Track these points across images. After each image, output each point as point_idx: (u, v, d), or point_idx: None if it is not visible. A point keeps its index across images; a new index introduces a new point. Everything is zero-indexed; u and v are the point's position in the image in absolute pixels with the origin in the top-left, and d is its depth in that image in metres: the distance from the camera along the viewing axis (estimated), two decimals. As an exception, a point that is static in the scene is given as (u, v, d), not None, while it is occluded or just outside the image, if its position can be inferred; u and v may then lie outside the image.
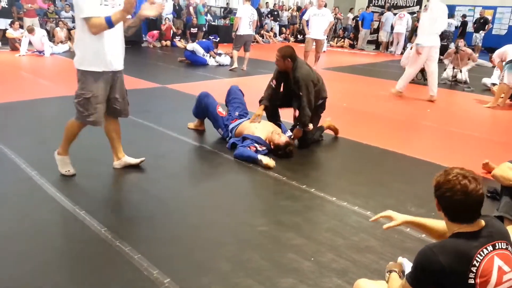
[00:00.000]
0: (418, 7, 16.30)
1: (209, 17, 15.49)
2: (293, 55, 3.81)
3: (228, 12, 17.62)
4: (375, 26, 15.45)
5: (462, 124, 5.29)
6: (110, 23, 2.67)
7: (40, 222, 2.47)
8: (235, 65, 8.46)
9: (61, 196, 2.76)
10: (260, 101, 4.09)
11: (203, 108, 4.10)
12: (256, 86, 7.11)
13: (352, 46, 15.23)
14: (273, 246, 2.30)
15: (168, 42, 12.54)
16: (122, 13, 2.66)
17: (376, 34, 15.15)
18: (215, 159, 3.64)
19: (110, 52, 2.87)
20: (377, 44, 15.17)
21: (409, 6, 16.54)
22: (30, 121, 4.56)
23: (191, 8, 13.91)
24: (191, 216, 2.62)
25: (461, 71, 7.97)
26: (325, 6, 9.13)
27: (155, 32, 12.33)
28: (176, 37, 12.84)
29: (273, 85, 4.03)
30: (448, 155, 3.94)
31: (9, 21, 10.07)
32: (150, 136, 4.15)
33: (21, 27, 9.84)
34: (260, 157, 3.44)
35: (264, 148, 3.65)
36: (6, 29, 9.94)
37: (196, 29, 13.54)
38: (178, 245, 2.27)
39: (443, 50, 11.07)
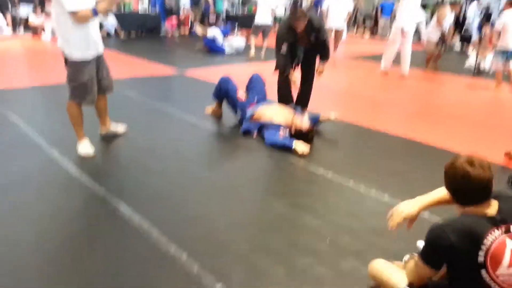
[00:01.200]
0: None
1: (227, 5, 15.42)
2: (305, 12, 4.02)
3: (247, 1, 17.51)
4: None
5: (485, 113, 5.18)
6: (95, 14, 2.91)
7: (59, 200, 2.55)
8: (252, 53, 8.43)
9: (82, 174, 2.83)
10: (283, 70, 4.20)
11: (223, 92, 4.13)
12: (271, 71, 7.09)
13: (373, 33, 15.05)
14: (291, 228, 2.32)
15: (187, 30, 12.57)
16: (109, 2, 2.93)
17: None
18: (233, 144, 3.67)
19: (94, 38, 3.11)
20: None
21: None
22: (55, 105, 4.66)
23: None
24: (210, 198, 2.66)
25: (485, 59, 7.86)
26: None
27: (174, 21, 12.38)
28: (195, 23, 12.86)
29: (284, 53, 4.11)
30: (470, 144, 3.88)
31: (31, 7, 10.21)
32: (167, 121, 4.20)
33: (44, 12, 9.97)
34: (294, 145, 3.44)
35: (287, 134, 3.66)
36: (28, 17, 10.10)
37: (215, 17, 13.51)
38: (197, 225, 2.32)
39: (466, 40, 10.83)
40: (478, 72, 7.89)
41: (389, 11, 14.58)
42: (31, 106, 4.63)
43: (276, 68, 4.26)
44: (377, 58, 9.10)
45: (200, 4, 14.07)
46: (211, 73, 6.54)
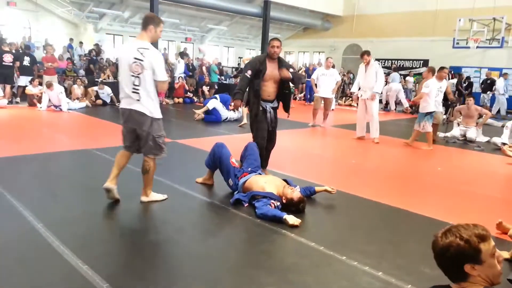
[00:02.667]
0: (424, 68, 16.78)
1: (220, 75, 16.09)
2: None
3: (239, 71, 18.30)
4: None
5: (474, 183, 5.21)
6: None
7: (44, 276, 2.42)
8: (245, 121, 8.62)
9: (64, 249, 2.72)
10: (235, 94, 4.47)
11: (216, 158, 4.13)
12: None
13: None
14: (280, 307, 2.20)
15: (181, 99, 12.92)
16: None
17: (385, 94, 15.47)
18: (223, 214, 3.60)
19: None
20: (385, 103, 15.43)
21: (415, 68, 17.05)
22: (44, 174, 4.62)
23: (204, 68, 14.50)
24: (198, 272, 2.54)
25: (476, 129, 8.15)
26: (333, 67, 9.46)
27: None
28: (189, 93, 13.28)
29: (249, 76, 4.44)
30: (461, 214, 3.85)
31: (29, 78, 10.54)
32: (157, 189, 4.14)
33: (40, 84, 10.28)
34: (285, 216, 3.35)
35: (278, 203, 3.60)
36: (26, 86, 10.39)
37: (208, 87, 14.01)
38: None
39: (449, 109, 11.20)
40: (464, 141, 8.11)
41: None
42: (18, 175, 4.57)
43: (235, 92, 4.51)
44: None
45: (195, 74, 14.66)
46: (204, 142, 6.61)
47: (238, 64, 21.88)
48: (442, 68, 7.31)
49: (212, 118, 9.05)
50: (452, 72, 15.81)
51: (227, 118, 9.21)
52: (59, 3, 16.52)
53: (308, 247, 2.97)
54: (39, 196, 3.85)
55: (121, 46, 3.59)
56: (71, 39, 16.27)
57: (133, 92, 3.45)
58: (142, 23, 3.57)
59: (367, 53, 7.56)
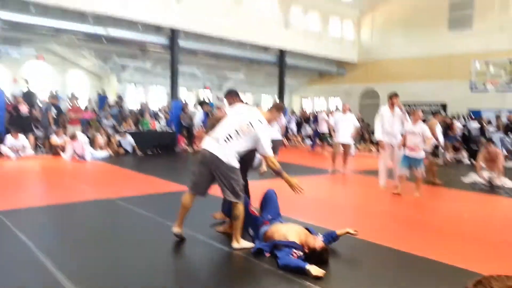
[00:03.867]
0: (443, 112, 16.78)
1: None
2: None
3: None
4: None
5: (503, 231, 5.01)
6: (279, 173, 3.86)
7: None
8: (264, 168, 8.60)
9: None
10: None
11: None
12: (282, 188, 7.15)
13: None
14: None
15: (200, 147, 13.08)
16: (292, 182, 3.92)
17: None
18: (244, 264, 3.53)
19: None
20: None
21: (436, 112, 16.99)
22: (66, 224, 4.67)
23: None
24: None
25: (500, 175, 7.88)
26: (350, 110, 9.51)
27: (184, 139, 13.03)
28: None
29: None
30: (491, 263, 3.67)
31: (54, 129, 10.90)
32: (175, 237, 4.11)
33: (65, 134, 10.60)
34: (308, 267, 3.26)
35: (301, 253, 3.51)
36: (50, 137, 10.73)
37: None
38: None
39: (474, 154, 11.04)
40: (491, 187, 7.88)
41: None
42: (41, 226, 4.63)
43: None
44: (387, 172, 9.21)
45: (213, 122, 14.91)
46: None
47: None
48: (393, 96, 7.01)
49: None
50: (471, 115, 15.73)
51: (253, 166, 9.24)
52: (85, 57, 17.41)
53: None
54: (62, 247, 3.86)
55: (240, 106, 3.97)
56: (103, 91, 16.98)
57: (225, 139, 3.76)
58: (276, 106, 4.09)
59: (396, 95, 7.09)
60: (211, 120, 4.23)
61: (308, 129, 17.28)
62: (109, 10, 12.83)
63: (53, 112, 11.09)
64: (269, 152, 3.79)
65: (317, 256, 3.48)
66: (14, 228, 4.20)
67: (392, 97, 7.04)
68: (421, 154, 6.55)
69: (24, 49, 14.98)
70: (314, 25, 19.39)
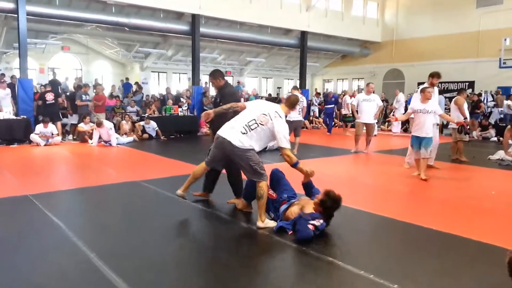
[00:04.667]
0: (470, 90, 16.26)
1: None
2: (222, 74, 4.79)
3: (278, 101, 18.51)
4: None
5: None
6: (296, 164, 3.94)
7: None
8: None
9: (116, 278, 2.80)
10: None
11: (253, 192, 4.14)
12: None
13: (405, 130, 15.13)
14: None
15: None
16: (305, 172, 4.05)
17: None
18: (265, 242, 3.58)
19: None
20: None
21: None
22: (95, 206, 4.83)
23: (242, 100, 14.83)
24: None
25: None
26: (373, 92, 9.38)
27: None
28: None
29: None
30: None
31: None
32: (200, 217, 4.21)
33: (92, 121, 10.90)
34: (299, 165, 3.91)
35: (321, 221, 3.55)
36: (78, 124, 11.05)
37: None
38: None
39: (501, 131, 10.71)
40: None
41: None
42: (72, 207, 4.82)
43: None
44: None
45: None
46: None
47: (277, 94, 22.16)
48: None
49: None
50: (501, 93, 15.20)
51: (267, 147, 9.27)
52: (108, 45, 17.68)
53: (356, 276, 2.87)
54: (92, 227, 4.02)
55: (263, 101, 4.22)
56: (126, 79, 17.28)
57: (243, 128, 3.90)
58: (291, 103, 4.19)
59: (438, 75, 6.90)
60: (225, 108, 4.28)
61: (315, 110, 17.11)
62: (131, -1, 12.95)
63: (84, 99, 11.34)
64: (285, 145, 3.86)
65: (329, 202, 3.63)
66: (46, 210, 4.39)
67: (434, 76, 6.88)
68: (431, 133, 6.27)
69: (50, 40, 15.34)
70: (336, 6, 18.98)
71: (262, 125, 3.87)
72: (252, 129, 3.87)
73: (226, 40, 17.03)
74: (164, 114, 12.77)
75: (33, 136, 9.87)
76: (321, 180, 6.39)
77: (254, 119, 3.90)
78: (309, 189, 4.18)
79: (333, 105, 14.38)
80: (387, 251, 3.45)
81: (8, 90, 10.73)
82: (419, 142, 6.20)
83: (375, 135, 12.15)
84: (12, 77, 12.95)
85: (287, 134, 3.91)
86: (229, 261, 3.19)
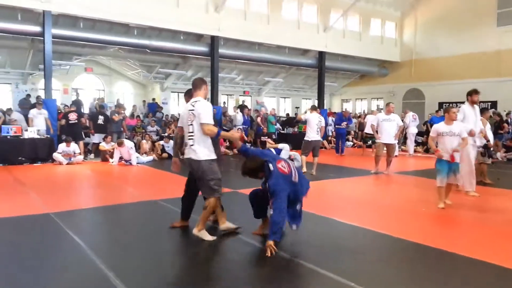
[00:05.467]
0: (492, 110, 15.94)
1: (278, 126, 16.35)
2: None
3: (297, 121, 18.51)
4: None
5: None
6: (218, 134, 3.97)
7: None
8: (304, 169, 8.57)
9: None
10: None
11: (259, 204, 4.19)
12: (326, 190, 7.08)
13: (426, 151, 14.86)
14: None
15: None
16: (234, 138, 4.31)
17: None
18: (282, 264, 3.51)
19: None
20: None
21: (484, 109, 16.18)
22: (115, 224, 4.86)
23: (258, 119, 14.89)
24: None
25: None
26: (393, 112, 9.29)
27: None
28: (247, 143, 13.62)
29: None
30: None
31: (103, 136, 11.43)
32: (219, 239, 4.17)
33: (112, 141, 11.09)
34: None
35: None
36: (99, 143, 11.27)
37: (266, 137, 14.26)
38: None
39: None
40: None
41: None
42: (92, 226, 4.86)
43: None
44: (429, 173, 8.89)
45: (253, 125, 15.06)
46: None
47: (296, 114, 22.19)
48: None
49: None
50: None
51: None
52: (130, 67, 18.13)
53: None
54: (110, 246, 4.04)
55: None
56: (153, 99, 17.73)
57: (189, 138, 4.01)
58: (196, 85, 4.18)
59: (476, 91, 6.55)
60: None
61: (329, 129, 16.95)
62: (152, 22, 13.30)
63: (101, 119, 11.59)
64: (206, 121, 3.90)
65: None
66: (66, 228, 4.43)
67: (472, 94, 6.55)
68: (458, 158, 5.72)
69: (74, 62, 15.83)
70: (354, 26, 19.07)
71: (193, 121, 3.96)
72: (193, 132, 3.97)
73: (245, 61, 17.26)
74: (183, 134, 12.87)
75: (55, 155, 10.09)
76: (340, 201, 6.31)
77: (188, 123, 4.00)
78: (246, 153, 4.28)
79: (345, 125, 13.86)
80: (407, 275, 3.33)
81: (43, 111, 11.02)
82: (448, 167, 5.57)
83: (396, 156, 11.97)
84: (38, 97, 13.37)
85: (207, 112, 3.94)
86: (245, 279, 3.13)
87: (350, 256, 3.70)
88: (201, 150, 3.94)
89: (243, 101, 18.38)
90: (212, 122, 3.97)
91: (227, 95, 21.33)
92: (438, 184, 5.63)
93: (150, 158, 11.08)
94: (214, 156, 4.02)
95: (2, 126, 10.40)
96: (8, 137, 10.18)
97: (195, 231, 4.02)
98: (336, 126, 14.12)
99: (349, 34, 18.64)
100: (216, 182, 3.99)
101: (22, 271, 3.29)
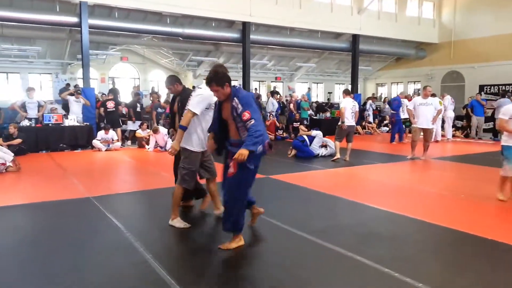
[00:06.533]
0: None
1: (310, 111, 16.18)
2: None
3: (329, 106, 18.24)
4: (488, 114, 14.46)
5: None
6: (182, 128, 3.90)
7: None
8: (338, 155, 8.46)
9: (171, 280, 2.86)
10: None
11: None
12: (360, 176, 6.98)
13: (466, 136, 14.32)
14: None
15: (272, 136, 13.22)
16: (173, 145, 3.99)
17: (492, 122, 14.09)
18: (318, 250, 3.50)
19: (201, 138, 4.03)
20: (494, 132, 14.00)
21: (528, 91, 15.34)
22: (152, 208, 5.01)
23: (291, 105, 14.78)
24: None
25: None
26: (432, 95, 8.96)
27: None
28: (280, 130, 13.60)
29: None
30: None
31: (139, 123, 11.73)
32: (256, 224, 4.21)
33: (148, 128, 11.36)
34: None
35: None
36: (136, 130, 11.58)
37: (299, 123, 14.17)
38: None
39: None
40: None
41: (481, 111, 13.96)
42: (131, 210, 5.02)
43: None
44: (469, 159, 8.58)
45: (285, 112, 14.98)
46: (297, 177, 6.62)
47: (328, 99, 21.87)
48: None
49: (304, 154, 9.08)
50: None
51: (318, 155, 9.15)
52: (164, 55, 18.38)
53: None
54: (149, 229, 4.16)
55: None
56: (193, 87, 17.92)
57: None
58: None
59: None
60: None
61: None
62: (185, 10, 13.40)
63: (137, 107, 11.89)
64: (192, 109, 3.87)
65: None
66: (106, 212, 4.61)
67: None
68: None
69: (110, 51, 16.24)
70: (390, 7, 18.41)
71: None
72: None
73: (276, 46, 17.10)
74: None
75: (95, 142, 10.46)
76: (375, 187, 6.20)
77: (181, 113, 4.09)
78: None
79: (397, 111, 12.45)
80: (449, 263, 3.24)
81: (80, 99, 11.40)
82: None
83: (437, 141, 11.63)
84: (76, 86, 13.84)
85: (195, 103, 3.90)
86: (285, 270, 3.15)
87: (387, 242, 3.64)
88: (186, 137, 3.99)
89: (275, 87, 18.25)
90: (192, 111, 3.86)
91: (259, 81, 21.27)
92: (502, 173, 5.07)
93: (184, 144, 11.27)
94: (195, 148, 4.01)
95: (44, 114, 10.85)
96: (50, 125, 10.62)
97: (170, 220, 4.10)
98: (392, 112, 12.66)
99: (385, 16, 18.04)
100: (187, 173, 4.02)
101: (64, 252, 3.45)
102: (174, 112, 4.55)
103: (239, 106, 3.28)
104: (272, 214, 4.40)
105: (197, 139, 4.01)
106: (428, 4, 19.56)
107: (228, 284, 2.89)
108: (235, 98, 3.33)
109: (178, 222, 4.08)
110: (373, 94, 20.83)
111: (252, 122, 3.19)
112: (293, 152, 9.26)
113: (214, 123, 3.66)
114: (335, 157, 8.50)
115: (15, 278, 2.97)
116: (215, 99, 3.71)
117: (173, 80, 4.51)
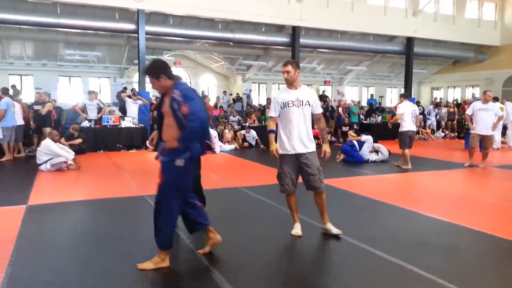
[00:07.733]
0: None
1: (361, 116, 15.84)
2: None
3: (381, 110, 17.74)
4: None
5: None
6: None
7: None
8: (409, 165, 7.89)
9: (220, 276, 2.93)
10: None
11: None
12: (414, 183, 6.73)
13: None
14: None
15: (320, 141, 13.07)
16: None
17: None
18: (367, 257, 3.42)
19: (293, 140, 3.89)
20: None
21: None
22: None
23: (340, 109, 14.53)
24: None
25: None
26: (494, 99, 8.43)
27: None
28: (328, 134, 13.44)
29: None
30: None
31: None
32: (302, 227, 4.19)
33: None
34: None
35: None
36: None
37: (348, 127, 13.90)
38: None
39: None
40: None
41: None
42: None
43: None
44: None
45: (334, 115, 14.76)
46: (346, 182, 6.51)
47: (379, 103, 21.31)
48: None
49: (353, 159, 8.90)
50: None
51: (368, 160, 8.91)
52: (214, 60, 18.83)
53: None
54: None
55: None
56: (249, 91, 18.42)
57: None
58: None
59: None
60: None
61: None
62: (236, 15, 13.66)
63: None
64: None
65: None
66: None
67: None
68: None
69: (164, 56, 16.88)
70: (447, 9, 17.64)
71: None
72: None
73: (326, 50, 16.93)
74: (263, 124, 13.11)
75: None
76: (430, 195, 5.96)
77: None
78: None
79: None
80: (509, 277, 3.05)
81: (137, 101, 11.97)
82: None
83: (497, 149, 10.99)
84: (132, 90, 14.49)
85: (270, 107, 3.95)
86: (339, 278, 3.12)
87: (441, 252, 3.49)
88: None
89: (323, 91, 18.06)
90: (270, 114, 4.03)
91: (307, 85, 20.95)
92: None
93: (232, 146, 11.46)
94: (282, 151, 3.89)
95: (103, 116, 11.47)
96: (108, 126, 11.21)
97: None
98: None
99: (441, 18, 17.31)
100: (277, 175, 4.01)
101: (119, 247, 3.63)
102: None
103: (180, 98, 3.05)
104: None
105: (280, 142, 3.93)
106: (489, 5, 18.53)
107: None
108: (175, 90, 3.10)
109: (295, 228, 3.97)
110: (435, 98, 19.93)
111: (190, 118, 3.01)
112: (342, 156, 9.10)
113: (158, 118, 3.38)
114: (406, 166, 7.93)
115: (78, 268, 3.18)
116: (281, 98, 3.87)
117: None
